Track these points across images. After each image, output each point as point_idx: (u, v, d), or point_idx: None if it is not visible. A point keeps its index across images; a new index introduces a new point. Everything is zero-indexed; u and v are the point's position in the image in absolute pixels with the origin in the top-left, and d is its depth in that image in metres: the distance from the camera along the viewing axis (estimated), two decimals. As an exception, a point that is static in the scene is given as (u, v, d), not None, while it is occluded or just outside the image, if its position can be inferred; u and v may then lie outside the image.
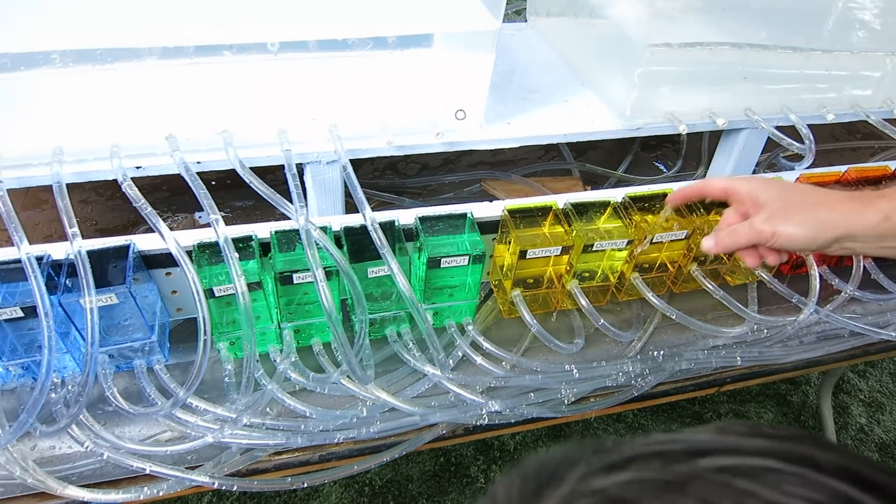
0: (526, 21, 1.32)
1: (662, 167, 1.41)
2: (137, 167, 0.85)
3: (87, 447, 0.78)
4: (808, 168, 1.06)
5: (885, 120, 1.11)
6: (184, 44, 0.83)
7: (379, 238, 0.78)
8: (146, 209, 0.78)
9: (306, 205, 0.78)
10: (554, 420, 0.94)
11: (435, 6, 0.90)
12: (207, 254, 0.84)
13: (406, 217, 0.89)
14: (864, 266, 1.07)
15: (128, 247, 0.81)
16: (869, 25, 1.04)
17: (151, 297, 0.87)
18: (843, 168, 1.05)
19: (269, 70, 0.88)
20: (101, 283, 0.76)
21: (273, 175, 0.90)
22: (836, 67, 1.06)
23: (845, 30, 1.04)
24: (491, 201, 0.95)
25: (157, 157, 0.86)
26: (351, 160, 0.88)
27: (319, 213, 0.98)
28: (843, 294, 1.04)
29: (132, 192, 0.79)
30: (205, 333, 0.75)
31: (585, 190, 1.27)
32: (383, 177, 1.31)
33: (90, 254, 0.76)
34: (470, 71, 0.90)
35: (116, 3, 0.84)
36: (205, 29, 0.86)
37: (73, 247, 0.75)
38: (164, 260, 0.85)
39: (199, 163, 0.86)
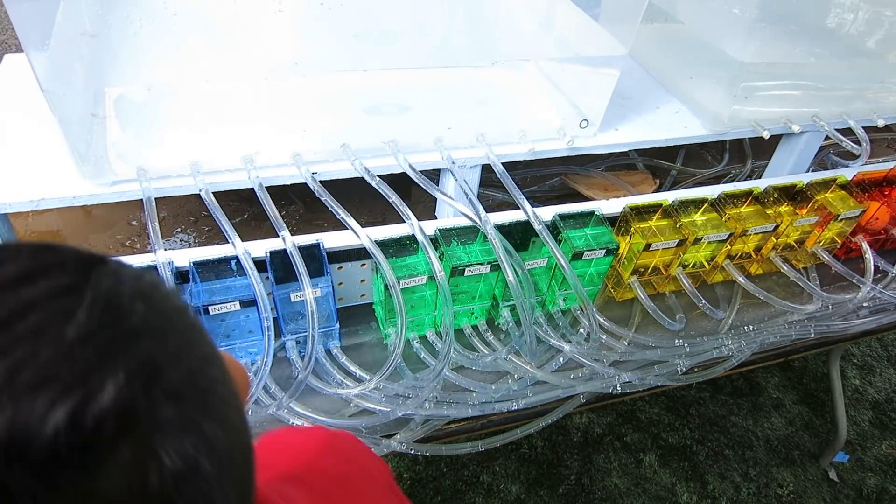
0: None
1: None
2: (314, 173, 0.95)
3: (293, 423, 0.89)
4: (861, 166, 1.23)
5: (921, 122, 1.28)
6: (356, 67, 0.93)
7: (544, 232, 0.91)
8: (340, 212, 0.88)
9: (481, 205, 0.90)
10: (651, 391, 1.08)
11: (571, 33, 1.02)
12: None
13: (542, 213, 1.02)
14: (904, 250, 1.25)
15: (318, 245, 0.91)
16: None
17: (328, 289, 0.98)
18: (889, 164, 1.22)
19: (423, 83, 0.99)
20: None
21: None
22: (884, 77, 1.22)
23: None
24: (579, 197, 1.09)
25: (331, 164, 0.96)
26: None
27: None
28: (890, 274, 1.22)
29: (325, 195, 0.89)
30: (402, 321, 0.86)
31: (655, 183, 1.41)
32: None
33: (285, 253, 0.86)
34: (597, 86, 1.02)
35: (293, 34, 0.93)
36: (371, 51, 0.96)
37: (287, 244, 0.85)
38: (339, 256, 0.96)
39: (367, 169, 0.96)
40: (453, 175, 0.95)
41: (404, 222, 0.90)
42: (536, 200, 1.36)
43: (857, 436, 2.14)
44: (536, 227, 0.91)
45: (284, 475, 0.48)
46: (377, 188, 0.90)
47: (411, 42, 1.04)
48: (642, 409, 2.12)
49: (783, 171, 1.29)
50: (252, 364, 0.94)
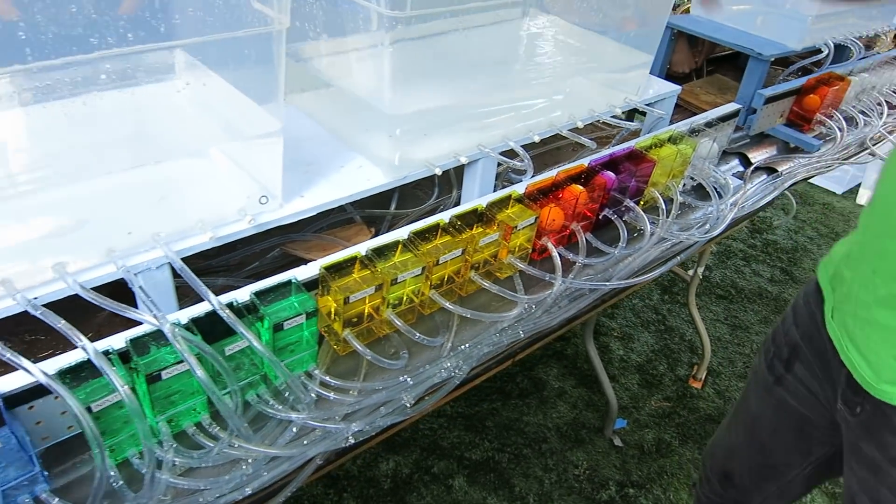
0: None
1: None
2: (-26, 317, 0.89)
3: (0, 589, 0.82)
4: (531, 178, 1.40)
5: (570, 130, 1.50)
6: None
7: (230, 318, 0.93)
8: (7, 354, 0.84)
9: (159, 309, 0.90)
10: (391, 430, 1.14)
11: (234, 115, 1.07)
12: (69, 379, 0.91)
13: (240, 294, 1.04)
14: (586, 239, 1.44)
15: (-10, 393, 0.86)
16: (548, 65, 1.41)
17: (19, 433, 0.91)
18: (553, 172, 1.41)
19: (97, 192, 0.98)
20: (-23, 433, 0.81)
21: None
22: (533, 98, 1.41)
23: (533, 70, 1.39)
24: (302, 263, 1.14)
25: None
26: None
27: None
28: (576, 264, 1.39)
29: (-16, 342, 0.84)
30: (100, 448, 0.84)
31: (370, 232, 1.49)
32: (189, 264, 1.41)
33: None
34: (264, 163, 1.08)
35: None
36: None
37: (-57, 408, 0.79)
38: (26, 395, 0.90)
39: (36, 298, 0.93)
40: (130, 283, 0.95)
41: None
42: (260, 276, 1.38)
43: (631, 399, 2.40)
44: (221, 314, 0.93)
45: None
46: (43, 319, 0.87)
47: (79, 153, 1.02)
48: (443, 436, 2.21)
49: (472, 196, 1.44)
50: (-55, 541, 0.85)
